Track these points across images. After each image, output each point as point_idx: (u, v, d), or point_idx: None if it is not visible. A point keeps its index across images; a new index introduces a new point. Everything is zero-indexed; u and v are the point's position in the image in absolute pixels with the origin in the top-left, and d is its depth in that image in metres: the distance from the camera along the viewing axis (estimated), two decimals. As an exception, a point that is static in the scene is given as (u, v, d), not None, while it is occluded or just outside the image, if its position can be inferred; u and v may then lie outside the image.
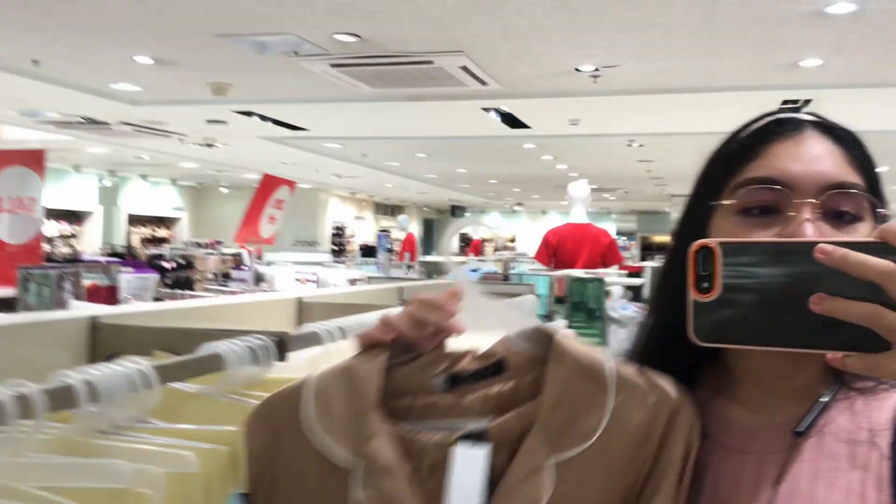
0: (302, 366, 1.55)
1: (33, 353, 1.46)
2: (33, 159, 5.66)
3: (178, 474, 0.89)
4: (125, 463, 0.86)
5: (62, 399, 0.86)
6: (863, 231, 0.86)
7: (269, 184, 5.27)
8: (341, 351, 1.63)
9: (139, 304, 1.98)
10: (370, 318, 1.76)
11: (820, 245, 0.65)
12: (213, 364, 1.25)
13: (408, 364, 0.84)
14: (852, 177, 0.88)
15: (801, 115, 0.93)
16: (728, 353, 0.95)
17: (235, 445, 0.98)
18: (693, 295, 0.71)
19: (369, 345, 0.90)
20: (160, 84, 7.55)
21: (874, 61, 5.62)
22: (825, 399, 0.89)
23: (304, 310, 2.25)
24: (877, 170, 0.92)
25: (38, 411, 0.78)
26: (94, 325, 1.55)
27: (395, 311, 1.88)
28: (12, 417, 0.74)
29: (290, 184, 5.52)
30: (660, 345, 0.96)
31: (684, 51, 5.55)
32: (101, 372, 1.00)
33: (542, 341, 0.84)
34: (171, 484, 0.88)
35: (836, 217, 0.86)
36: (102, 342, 1.54)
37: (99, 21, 5.45)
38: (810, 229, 0.83)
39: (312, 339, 1.55)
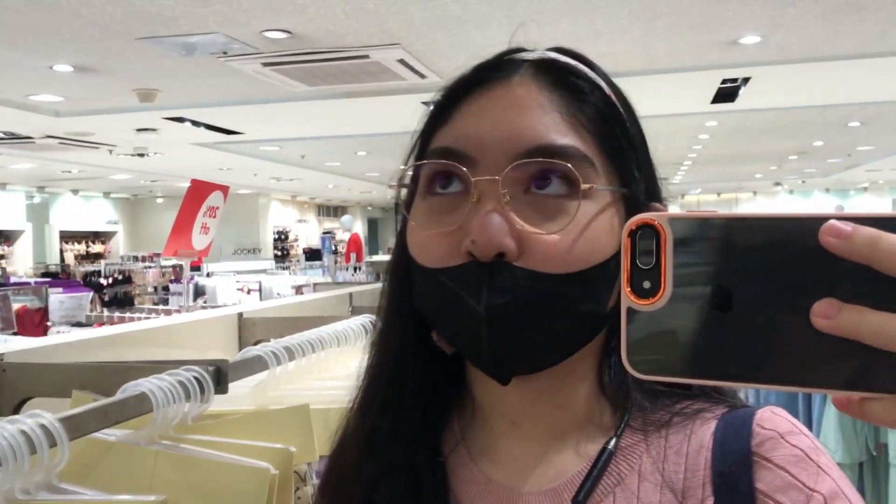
0: (245, 395, 1.39)
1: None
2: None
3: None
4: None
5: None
6: (580, 216, 0.62)
7: (200, 191, 4.99)
8: (289, 375, 1.47)
9: (57, 336, 1.78)
10: (320, 334, 1.60)
11: (830, 223, 0.40)
12: (139, 406, 1.07)
13: None
14: (566, 137, 0.63)
15: (526, 55, 0.69)
16: (473, 382, 0.72)
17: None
18: (629, 299, 0.46)
19: None
20: (83, 93, 7.20)
21: (812, 36, 5.62)
22: (611, 445, 0.66)
23: (245, 326, 2.07)
24: (628, 130, 0.68)
25: None
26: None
27: (347, 323, 1.72)
28: None
29: (223, 189, 5.25)
30: (392, 389, 0.72)
31: (625, 34, 5.47)
32: (-13, 435, 0.81)
33: None
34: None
35: (541, 191, 0.63)
36: (10, 386, 1.34)
37: (10, 29, 5.13)
38: (495, 223, 0.60)
39: (256, 365, 1.38)
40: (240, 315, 2.11)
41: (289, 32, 5.26)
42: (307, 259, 16.38)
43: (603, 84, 0.69)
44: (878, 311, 0.40)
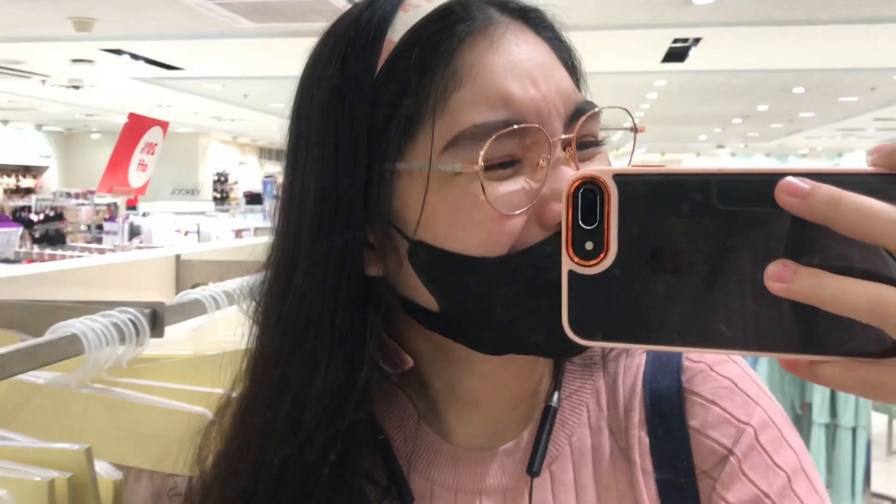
0: (182, 339, 1.34)
1: None
2: None
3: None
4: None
5: None
6: (603, 158, 0.62)
7: (138, 125, 4.79)
8: (228, 320, 1.43)
9: (-17, 270, 1.70)
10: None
11: (787, 181, 0.37)
12: (70, 348, 1.02)
13: None
14: (578, 90, 0.63)
15: None
16: (438, 374, 0.67)
17: (81, 468, 0.76)
18: (571, 262, 0.43)
19: None
20: (15, 18, 6.86)
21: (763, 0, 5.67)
22: (554, 402, 0.66)
23: (182, 269, 2.00)
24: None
25: None
26: (-83, 302, 1.27)
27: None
28: None
29: (163, 125, 5.06)
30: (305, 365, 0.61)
31: (579, -14, 5.44)
32: None
33: None
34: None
35: (581, 148, 0.60)
36: (-71, 322, 1.26)
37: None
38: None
39: (194, 308, 1.33)
40: (177, 257, 2.04)
41: (236, -35, 5.08)
42: (247, 203, 16.11)
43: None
44: (836, 275, 0.37)
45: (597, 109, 0.61)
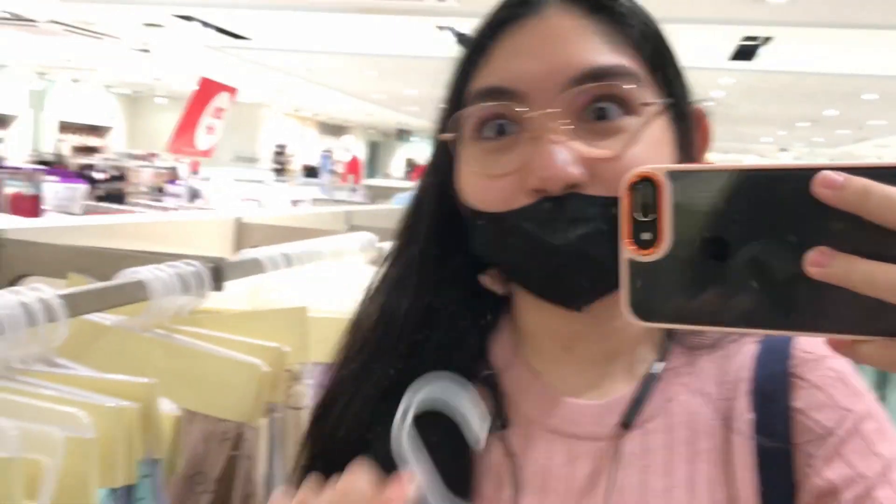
0: (239, 295, 1.40)
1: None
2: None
3: (74, 439, 0.72)
4: (8, 424, 0.68)
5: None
6: (639, 134, 0.61)
7: (208, 89, 4.90)
8: (284, 281, 1.48)
9: (56, 217, 1.77)
10: (317, 246, 1.60)
11: (823, 174, 0.41)
12: (136, 293, 1.08)
13: None
14: (610, 56, 0.63)
15: None
16: (524, 313, 0.72)
17: (149, 400, 0.82)
18: (629, 251, 0.48)
19: None
20: (92, -20, 7.04)
21: (841, 0, 5.52)
22: (656, 369, 0.68)
23: (242, 232, 2.07)
24: (669, 47, 0.67)
25: None
26: (-2, 242, 1.35)
27: (347, 237, 1.71)
28: None
29: (231, 90, 5.16)
30: (431, 339, 0.70)
31: (650, -23, 5.36)
32: (-11, 302, 0.82)
33: None
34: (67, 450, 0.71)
35: (599, 119, 0.62)
36: (7, 261, 1.34)
37: None
38: (560, 155, 0.59)
39: (253, 267, 1.38)
40: (238, 220, 2.11)
41: (309, -61, 5.13)
42: (305, 176, 16.30)
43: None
44: (868, 259, 0.41)
45: (606, 77, 0.61)
